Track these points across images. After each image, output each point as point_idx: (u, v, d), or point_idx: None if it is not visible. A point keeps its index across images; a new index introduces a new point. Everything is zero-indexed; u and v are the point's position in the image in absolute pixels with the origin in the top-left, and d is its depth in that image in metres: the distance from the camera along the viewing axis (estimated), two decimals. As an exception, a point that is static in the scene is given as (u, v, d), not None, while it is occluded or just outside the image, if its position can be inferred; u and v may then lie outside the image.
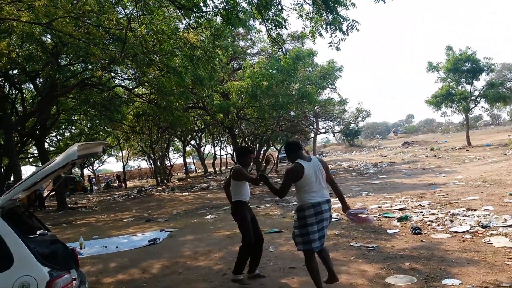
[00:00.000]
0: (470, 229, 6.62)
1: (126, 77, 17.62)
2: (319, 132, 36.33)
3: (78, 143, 3.35)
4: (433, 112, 79.63)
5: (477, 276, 4.48)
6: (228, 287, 4.99)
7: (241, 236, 5.18)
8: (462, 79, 33.32)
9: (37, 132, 19.55)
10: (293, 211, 4.67)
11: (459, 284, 4.31)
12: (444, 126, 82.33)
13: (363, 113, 32.40)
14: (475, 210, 8.03)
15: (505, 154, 20.80)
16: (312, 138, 39.85)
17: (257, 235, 5.23)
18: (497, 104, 39.26)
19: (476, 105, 35.41)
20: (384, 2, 6.83)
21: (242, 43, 23.10)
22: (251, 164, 5.45)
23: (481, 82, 34.34)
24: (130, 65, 14.38)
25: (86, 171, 50.90)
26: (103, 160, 55.43)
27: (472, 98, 34.12)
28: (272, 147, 37.05)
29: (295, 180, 4.29)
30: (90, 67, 15.95)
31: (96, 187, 41.41)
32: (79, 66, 17.53)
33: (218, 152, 47.40)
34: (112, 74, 17.06)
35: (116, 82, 19.01)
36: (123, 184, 38.53)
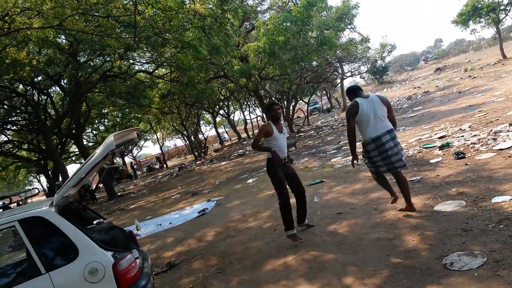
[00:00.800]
0: (515, 143, 6.43)
1: (144, 61, 17.76)
2: (345, 77, 35.40)
3: (113, 133, 3.48)
4: (462, 31, 75.52)
5: (528, 189, 4.40)
6: (281, 241, 5.17)
7: (277, 193, 5.12)
8: (488, -10, 31.23)
9: (73, 131, 20.28)
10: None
11: (510, 199, 4.25)
12: (475, 43, 78.07)
13: (388, 47, 31.20)
14: (518, 123, 7.74)
15: (545, 59, 19.63)
16: (339, 84, 38.98)
17: (296, 187, 5.19)
18: (529, 8, 36.69)
19: (506, 15, 33.19)
20: None
21: (250, 1, 22.54)
22: (280, 116, 5.21)
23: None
24: (145, 49, 14.44)
25: (127, 159, 52.62)
26: (140, 145, 57.01)
27: (501, 8, 31.95)
28: (300, 101, 36.65)
29: (353, 115, 4.73)
30: (108, 58, 16.18)
31: (139, 172, 42.87)
32: (98, 60, 17.80)
33: (248, 117, 47.54)
34: (131, 61, 17.25)
35: (136, 68, 19.21)
36: (164, 165, 39.67)
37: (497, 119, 8.97)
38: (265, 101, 26.84)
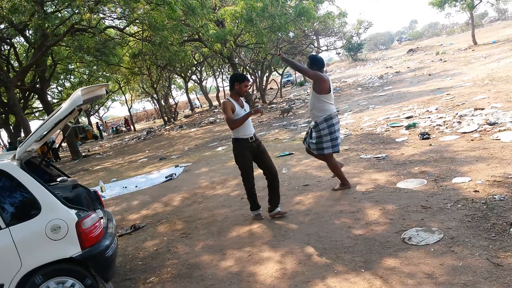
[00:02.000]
0: (478, 128, 6.69)
1: (115, 16, 16.98)
2: (320, 50, 35.39)
3: (81, 88, 3.34)
4: (437, 14, 76.48)
5: (486, 172, 4.61)
6: (247, 210, 5.23)
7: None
8: (466, -26, 31.55)
9: (37, 85, 19.43)
10: (316, 123, 4.99)
11: (469, 181, 4.45)
12: (448, 28, 79.43)
13: (364, 24, 31.35)
14: (482, 109, 8.03)
15: (513, 49, 20.27)
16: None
17: (267, 170, 4.70)
18: (503, -3, 37.41)
19: (481, 1, 33.82)
20: None
21: (230, -36, 21.80)
22: (250, 92, 4.77)
23: (486, -25, 32.52)
24: (117, 3, 13.79)
25: (93, 119, 51.23)
26: (107, 106, 55.52)
27: (477, -7, 32.48)
28: (275, 72, 36.48)
29: (324, 91, 4.90)
30: (77, 11, 15.35)
31: (105, 134, 41.95)
32: (66, 12, 16.87)
33: (220, 84, 47.06)
34: (101, 15, 16.46)
35: (106, 23, 18.40)
36: (131, 128, 38.91)
37: (463, 103, 9.26)
38: (239, 69, 26.52)
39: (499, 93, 9.43)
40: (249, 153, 4.62)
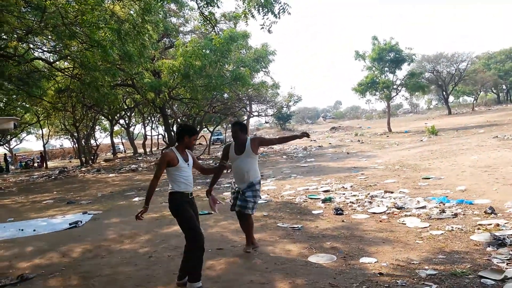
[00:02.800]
0: (386, 210, 7.11)
1: (46, 49, 16.29)
2: (252, 115, 36.65)
3: (-16, 119, 3.03)
4: (359, 99, 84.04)
5: (391, 255, 4.83)
6: (153, 270, 4.90)
7: (185, 236, 4.23)
8: (386, 69, 35.34)
9: None
10: (253, 183, 5.10)
11: (375, 262, 4.61)
12: (368, 113, 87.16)
13: (294, 98, 33.26)
14: (392, 192, 8.62)
15: (421, 140, 22.52)
16: (245, 121, 40.09)
17: None
18: (416, 93, 42.32)
19: (397, 94, 37.88)
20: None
21: (174, 20, 22.43)
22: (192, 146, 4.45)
23: (403, 72, 36.72)
24: (50, 37, 13.31)
25: (1, 149, 46.89)
26: (21, 138, 51.41)
27: (394, 87, 36.37)
28: (205, 129, 36.74)
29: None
30: (4, 36, 14.51)
31: (13, 167, 38.41)
32: (-9, 36, 15.88)
33: (148, 133, 46.06)
34: (31, 46, 15.70)
35: (36, 54, 17.53)
36: (43, 164, 36.08)
37: (375, 184, 9.90)
38: (170, 121, 26.31)
39: (407, 179, 10.25)
40: (189, 208, 4.26)
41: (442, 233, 5.52)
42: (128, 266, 5.15)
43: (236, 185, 5.27)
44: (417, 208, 7.03)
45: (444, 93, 55.73)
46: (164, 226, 7.25)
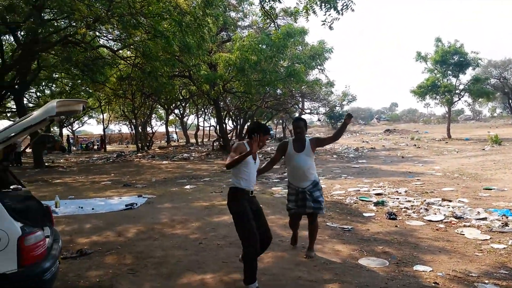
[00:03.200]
0: (444, 218, 6.77)
1: (111, 37, 17.09)
2: (304, 112, 36.32)
3: (57, 99, 3.21)
4: (417, 102, 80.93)
5: (448, 265, 4.59)
6: (203, 256, 4.99)
7: (239, 237, 4.02)
8: (449, 72, 33.56)
9: (16, 86, 18.94)
10: (316, 181, 5.06)
11: (430, 271, 4.41)
12: (426, 117, 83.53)
13: (348, 97, 32.58)
14: (450, 201, 8.21)
15: (483, 149, 21.26)
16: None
17: (262, 235, 4.04)
18: (479, 99, 39.97)
19: (459, 99, 35.88)
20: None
21: (233, 14, 22.67)
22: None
23: (466, 76, 34.56)
24: (115, 25, 13.92)
25: (65, 131, 50.00)
26: (83, 121, 54.50)
27: (457, 91, 34.51)
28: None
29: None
30: (74, 24, 15.39)
31: (74, 148, 40.80)
32: (62, 22, 16.90)
33: (201, 124, 47.12)
34: (97, 33, 16.54)
35: (101, 42, 18.46)
36: (102, 148, 38.01)
37: (432, 191, 9.47)
38: (222, 113, 26.72)
39: (467, 189, 9.71)
40: (248, 205, 4.05)
41: (504, 247, 5.17)
42: (179, 250, 5.28)
43: (296, 185, 4.98)
44: (477, 219, 6.63)
45: (510, 101, 52.33)
46: (214, 215, 7.37)
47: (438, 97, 35.06)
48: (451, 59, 32.47)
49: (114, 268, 4.63)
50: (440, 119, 67.73)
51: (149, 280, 4.25)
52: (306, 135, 5.16)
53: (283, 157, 5.15)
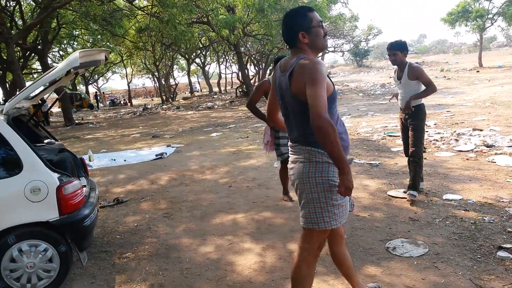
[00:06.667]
0: (474, 148, 6.64)
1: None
2: (327, 51, 35.25)
3: (79, 50, 3.22)
4: (447, 31, 76.75)
5: (478, 192, 4.56)
6: (234, 198, 5.15)
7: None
8: (481, -5, 31.45)
9: (39, 46, 19.12)
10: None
11: (460, 199, 4.40)
12: (456, 46, 79.56)
13: (374, 31, 31.26)
14: (481, 130, 7.99)
15: (517, 76, 20.30)
16: (320, 57, 38.92)
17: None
18: (515, 23, 37.36)
19: (492, 24, 33.75)
20: None
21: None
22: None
23: (500, -1, 32.30)
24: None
25: (92, 89, 50.78)
26: (107, 77, 55.02)
27: (489, 16, 32.44)
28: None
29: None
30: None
31: (102, 104, 41.61)
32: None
33: (223, 71, 46.72)
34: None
35: (116, -7, 18.11)
36: (128, 102, 38.59)
37: (462, 122, 9.23)
38: (243, 59, 26.31)
39: (499, 117, 9.40)
40: None
41: (538, 173, 5.07)
42: (210, 194, 5.46)
43: None
44: (509, 146, 6.46)
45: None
46: (241, 160, 7.50)
47: (469, 23, 33.14)
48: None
49: (150, 213, 4.86)
50: (471, 48, 64.45)
51: (184, 222, 4.45)
52: (330, 75, 4.95)
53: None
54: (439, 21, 34.29)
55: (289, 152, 2.30)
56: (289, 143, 2.29)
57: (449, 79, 24.30)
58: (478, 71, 28.04)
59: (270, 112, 2.60)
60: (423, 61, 51.21)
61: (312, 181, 2.11)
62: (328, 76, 2.08)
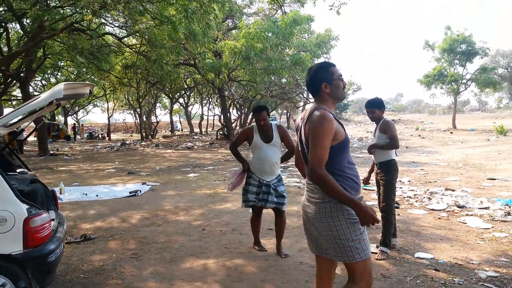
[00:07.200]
0: (446, 207, 6.78)
1: (117, 25, 17.04)
2: (308, 102, 36.13)
3: (65, 82, 3.22)
4: (423, 92, 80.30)
5: (449, 252, 4.61)
6: (206, 242, 5.04)
7: None
8: (456, 61, 33.29)
9: (22, 74, 18.98)
10: (281, 178, 4.68)
11: (431, 258, 4.43)
12: (431, 107, 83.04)
13: (354, 87, 32.40)
14: (453, 190, 8.20)
15: (488, 140, 21.16)
16: (301, 108, 39.79)
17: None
18: (486, 89, 39.56)
19: (466, 89, 35.60)
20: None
21: (239, 1, 22.52)
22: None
23: (474, 66, 34.38)
24: (122, 12, 13.86)
25: (70, 120, 50.20)
26: (87, 110, 54.66)
27: (463, 81, 34.24)
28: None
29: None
30: (80, 11, 15.32)
31: (79, 136, 41.00)
32: (68, 10, 16.83)
33: (205, 113, 47.12)
34: (103, 21, 16.47)
35: (106, 29, 18.40)
36: (106, 136, 38.18)
37: (435, 181, 9.46)
38: (227, 103, 26.69)
39: (471, 179, 9.69)
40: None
41: (506, 236, 5.18)
42: (182, 236, 5.34)
43: (259, 176, 4.51)
44: (480, 208, 6.63)
45: (517, 91, 51.71)
46: (217, 203, 7.42)
47: (444, 86, 34.82)
48: (458, 48, 32.17)
49: (117, 253, 4.69)
50: (445, 109, 67.36)
51: (152, 265, 4.30)
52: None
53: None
54: (415, 81, 35.67)
55: (306, 190, 2.50)
56: (306, 181, 2.49)
57: (423, 138, 25.15)
58: (451, 132, 29.16)
59: (296, 160, 2.85)
60: (400, 119, 53.03)
61: (329, 220, 2.31)
62: (339, 122, 2.35)
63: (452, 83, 33.41)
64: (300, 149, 2.58)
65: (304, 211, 2.49)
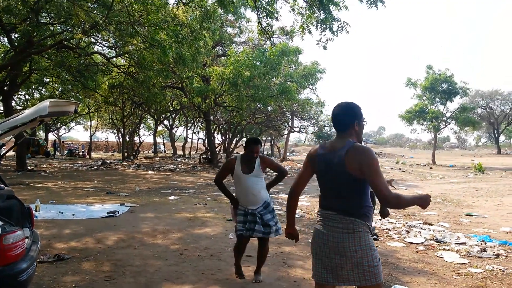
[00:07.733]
0: (424, 241, 6.84)
1: (106, 45, 17.12)
2: (293, 130, 36.58)
3: (50, 99, 3.22)
4: (404, 127, 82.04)
5: (426, 286, 4.64)
6: (183, 267, 4.96)
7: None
8: (437, 99, 34.27)
9: (5, 88, 18.76)
10: (267, 202, 4.58)
11: (407, 291, 4.45)
12: (412, 142, 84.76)
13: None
14: (431, 224, 8.30)
15: (466, 176, 21.59)
16: (285, 136, 40.15)
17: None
18: (465, 128, 40.72)
19: (446, 126, 36.55)
20: (377, 9, 6.93)
21: (230, 29, 22.96)
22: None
23: (454, 104, 35.39)
24: (112, 33, 13.98)
25: (51, 136, 49.41)
26: (69, 127, 53.98)
27: (443, 118, 35.18)
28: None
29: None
30: (70, 29, 15.40)
31: (59, 153, 40.28)
32: (59, 27, 16.90)
33: (190, 136, 47.03)
34: (92, 40, 16.55)
35: (95, 48, 18.46)
36: (87, 154, 37.61)
37: (414, 215, 9.57)
38: (212, 127, 26.76)
39: (448, 213, 9.84)
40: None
41: (481, 272, 5.24)
42: (158, 260, 5.24)
43: (245, 206, 4.49)
44: (457, 243, 6.71)
45: (495, 131, 53.52)
46: (196, 227, 7.34)
47: (425, 123, 35.68)
48: (440, 87, 33.19)
49: (91, 275, 4.57)
50: (425, 145, 68.86)
51: (126, 288, 4.20)
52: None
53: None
54: (397, 117, 36.54)
55: (325, 219, 2.62)
56: (325, 211, 2.65)
57: (404, 171, 25.52)
58: (431, 168, 29.69)
59: (297, 186, 2.95)
60: (381, 152, 53.88)
61: (363, 248, 2.52)
62: None
63: (433, 120, 34.28)
64: (324, 181, 2.70)
65: (324, 241, 2.59)
